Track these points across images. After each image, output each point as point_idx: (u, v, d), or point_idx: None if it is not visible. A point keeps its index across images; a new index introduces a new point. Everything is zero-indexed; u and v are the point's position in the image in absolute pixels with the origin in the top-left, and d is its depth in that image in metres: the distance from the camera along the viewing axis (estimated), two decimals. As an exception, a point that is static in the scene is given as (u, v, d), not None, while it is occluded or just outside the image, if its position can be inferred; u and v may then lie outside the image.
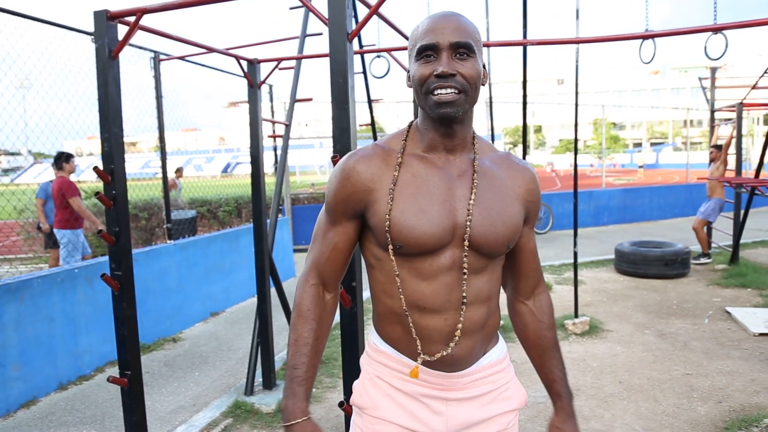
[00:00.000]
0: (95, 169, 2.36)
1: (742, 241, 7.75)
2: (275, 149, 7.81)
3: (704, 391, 3.74)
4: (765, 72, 6.75)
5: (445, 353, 1.20)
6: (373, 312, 1.33)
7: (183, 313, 5.47)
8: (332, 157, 2.00)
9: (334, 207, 1.24)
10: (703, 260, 7.68)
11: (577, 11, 4.43)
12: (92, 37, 4.12)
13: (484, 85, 1.20)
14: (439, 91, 1.11)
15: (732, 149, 7.85)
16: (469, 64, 1.13)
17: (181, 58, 4.46)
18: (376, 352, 1.31)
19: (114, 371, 4.35)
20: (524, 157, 4.98)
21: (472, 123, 1.24)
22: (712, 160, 7.82)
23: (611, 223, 12.32)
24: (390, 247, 1.18)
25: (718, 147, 7.80)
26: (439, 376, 1.24)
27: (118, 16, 2.30)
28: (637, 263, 7.03)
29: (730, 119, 8.80)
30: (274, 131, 5.20)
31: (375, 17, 2.26)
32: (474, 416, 1.28)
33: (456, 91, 1.12)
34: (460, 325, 1.19)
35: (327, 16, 2.04)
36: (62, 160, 5.83)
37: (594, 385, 3.89)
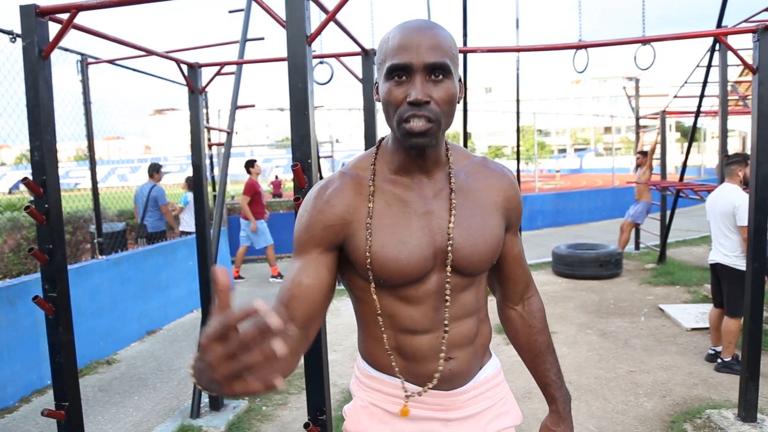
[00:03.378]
0: (24, 180, 2.14)
1: (668, 240, 8.16)
2: (211, 158, 7.55)
3: (648, 387, 3.87)
4: (686, 82, 7.16)
5: (430, 384, 1.17)
6: (359, 339, 1.28)
7: (117, 333, 5.13)
8: (293, 166, 1.89)
9: (306, 241, 1.13)
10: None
11: (517, 21, 4.53)
12: (10, 36, 3.81)
13: (459, 102, 1.12)
14: (412, 121, 1.02)
15: (657, 154, 8.27)
16: (444, 87, 1.04)
17: (112, 61, 4.21)
18: (369, 378, 1.26)
19: (41, 401, 4.01)
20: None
21: (444, 141, 1.17)
22: (638, 165, 8.20)
23: (545, 227, 12.71)
24: (372, 284, 1.14)
25: (644, 153, 8.19)
26: (438, 395, 1.20)
27: (49, 12, 2.10)
28: (573, 265, 7.25)
29: (648, 126, 9.29)
30: (210, 139, 5.00)
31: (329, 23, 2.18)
32: None
33: (428, 120, 1.02)
34: (444, 344, 1.16)
35: (282, 16, 1.94)
36: (249, 165, 7.58)
37: (545, 387, 3.94)
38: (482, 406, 1.26)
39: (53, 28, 2.15)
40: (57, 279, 2.22)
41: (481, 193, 1.19)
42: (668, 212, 7.78)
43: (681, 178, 7.11)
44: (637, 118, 8.67)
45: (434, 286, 1.14)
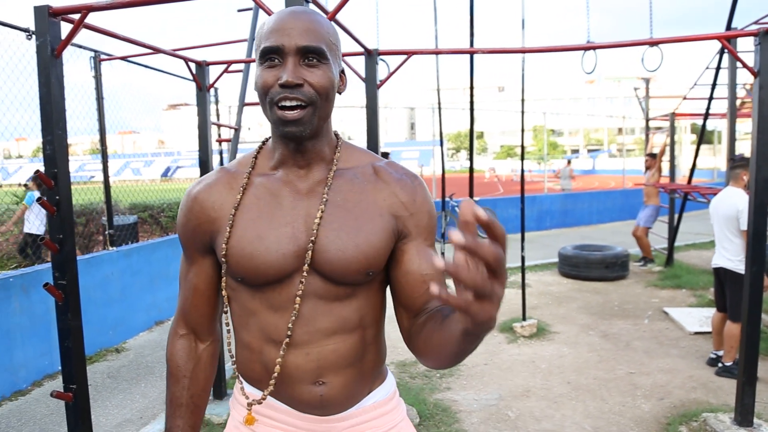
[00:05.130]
0: (37, 173, 2.23)
1: (676, 244, 8.14)
2: (221, 153, 7.65)
3: (647, 389, 3.89)
4: (695, 84, 7.14)
5: (296, 395, 1.07)
6: (234, 348, 1.17)
7: (126, 323, 5.25)
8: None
9: (186, 243, 1.12)
10: (649, 265, 7.99)
11: (523, 21, 4.55)
12: (26, 33, 3.92)
13: (340, 93, 1.07)
14: (283, 104, 0.96)
15: (666, 156, 8.24)
16: (319, 72, 0.98)
17: (124, 58, 4.30)
18: (240, 394, 1.16)
19: (52, 385, 4.13)
20: (471, 163, 5.06)
21: (329, 135, 1.09)
22: (647, 168, 8.18)
23: (553, 227, 12.70)
24: (224, 279, 1.08)
25: (653, 155, 8.17)
26: (312, 420, 1.09)
27: (61, 13, 2.18)
28: (579, 266, 7.27)
29: (661, 128, 9.26)
30: (219, 135, 5.09)
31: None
32: None
33: (302, 106, 0.96)
34: (316, 362, 1.05)
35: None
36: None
37: (543, 386, 3.98)
38: None
39: (65, 28, 2.23)
40: (67, 267, 2.31)
41: (365, 196, 1.06)
42: (676, 215, 7.76)
43: (689, 181, 7.09)
44: (647, 120, 8.65)
45: (301, 291, 1.04)
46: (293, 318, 1.03)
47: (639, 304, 6.09)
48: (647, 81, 8.77)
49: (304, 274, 1.01)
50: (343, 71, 1.08)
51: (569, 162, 19.10)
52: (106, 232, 5.66)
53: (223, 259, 1.04)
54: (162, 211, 9.83)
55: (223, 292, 1.12)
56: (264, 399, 1.08)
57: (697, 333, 5.02)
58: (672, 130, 8.01)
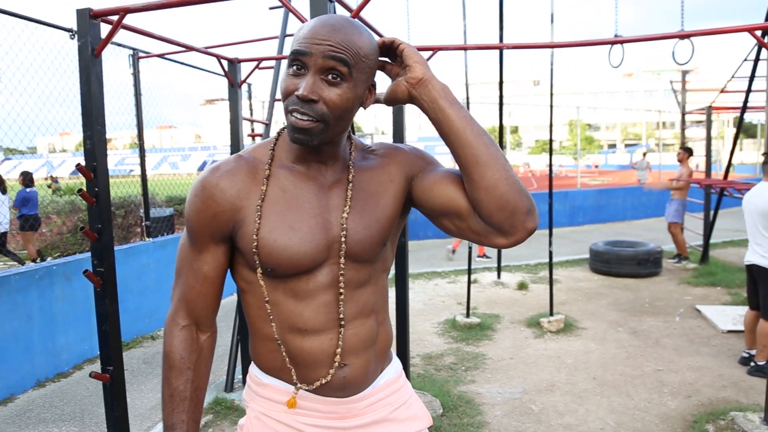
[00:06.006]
0: (78, 166, 2.36)
1: (711, 241, 7.97)
2: (254, 148, 7.79)
3: (674, 387, 3.86)
4: (732, 76, 6.96)
5: (324, 380, 1.10)
6: (250, 341, 1.18)
7: (161, 311, 5.44)
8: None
9: (199, 231, 1.08)
10: (683, 262, 7.83)
11: (552, 15, 4.53)
12: (70, 33, 4.09)
13: (365, 108, 1.08)
14: (296, 115, 0.98)
15: (702, 152, 8.05)
16: (337, 91, 0.98)
17: (161, 56, 4.45)
18: (260, 386, 1.17)
19: (91, 368, 4.30)
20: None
21: (343, 139, 1.12)
22: (680, 161, 7.99)
23: (586, 223, 12.53)
24: (259, 270, 1.07)
25: (687, 149, 7.98)
26: (333, 403, 1.14)
27: (101, 15, 2.30)
28: (610, 262, 7.19)
29: (700, 121, 9.04)
30: (252, 130, 5.21)
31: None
32: None
33: (312, 120, 0.98)
34: (339, 347, 1.10)
35: (308, 18, 2.08)
36: None
37: (568, 381, 3.99)
38: (383, 412, 1.19)
39: (105, 29, 2.35)
40: (104, 255, 2.44)
41: (376, 174, 1.13)
42: (712, 211, 7.60)
43: (725, 176, 6.93)
44: (683, 114, 8.46)
45: (327, 280, 1.08)
46: (323, 306, 1.08)
47: (671, 301, 6.00)
48: (684, 74, 8.57)
49: (342, 264, 1.07)
50: (373, 85, 1.08)
51: (645, 154, 18.73)
52: (143, 224, 5.86)
53: (254, 251, 1.04)
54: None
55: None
56: (315, 387, 1.10)
57: (730, 331, 4.94)
58: (708, 124, 7.83)
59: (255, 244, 1.04)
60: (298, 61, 0.98)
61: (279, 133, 1.15)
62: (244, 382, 3.88)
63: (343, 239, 1.06)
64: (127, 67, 5.00)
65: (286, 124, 1.04)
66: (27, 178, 8.24)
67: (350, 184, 1.10)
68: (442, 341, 4.77)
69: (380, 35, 3.07)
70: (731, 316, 5.31)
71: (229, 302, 6.38)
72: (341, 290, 1.08)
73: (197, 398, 1.14)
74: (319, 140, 1.01)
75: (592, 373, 4.11)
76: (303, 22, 2.16)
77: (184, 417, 1.11)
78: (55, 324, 4.24)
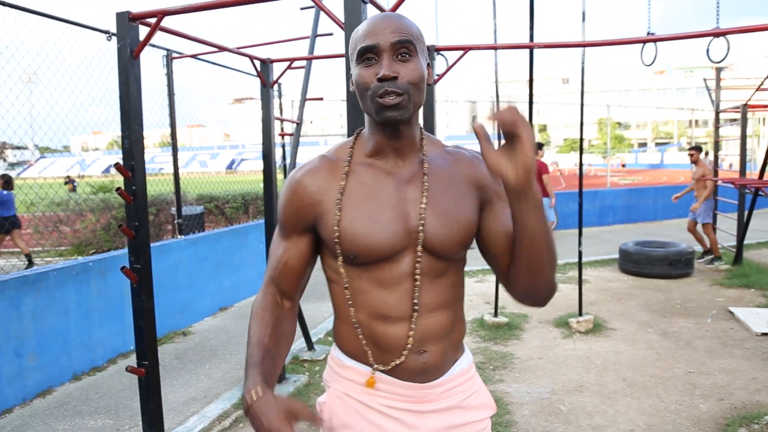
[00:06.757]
0: (116, 165, 2.43)
1: (746, 242, 7.79)
2: (283, 146, 7.89)
3: (706, 389, 3.80)
4: (769, 74, 6.78)
5: (399, 361, 1.17)
6: (334, 325, 1.28)
7: (193, 308, 5.55)
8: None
9: (285, 222, 1.22)
10: (716, 263, 7.66)
11: (584, 14, 4.48)
12: (107, 35, 4.20)
13: (430, 84, 1.18)
14: (382, 97, 1.08)
15: (736, 150, 7.87)
16: (411, 66, 1.09)
17: (194, 56, 4.54)
18: (342, 368, 1.25)
19: (126, 362, 4.44)
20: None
21: (418, 123, 1.22)
22: (694, 162, 7.83)
23: (615, 223, 12.35)
24: (340, 258, 1.16)
25: (698, 148, 7.83)
26: (412, 387, 1.21)
27: (139, 18, 2.37)
28: (641, 263, 7.08)
29: (735, 120, 8.83)
30: (282, 129, 5.27)
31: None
32: (448, 427, 1.24)
33: (398, 95, 1.08)
34: (412, 332, 1.16)
35: (340, 18, 2.11)
36: (538, 148, 8.15)
37: (598, 381, 3.95)
38: (456, 399, 1.25)
39: (143, 31, 2.42)
40: (141, 252, 2.51)
41: (453, 176, 1.21)
42: (746, 212, 7.42)
43: (761, 176, 6.77)
44: (717, 112, 8.27)
45: (408, 268, 1.16)
46: (406, 293, 1.16)
47: (702, 302, 5.89)
48: (719, 71, 8.38)
49: (419, 253, 1.14)
50: (429, 64, 1.17)
51: (707, 153, 18.44)
52: (175, 222, 5.98)
53: (336, 240, 1.13)
54: (227, 202, 10.23)
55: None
56: (390, 367, 1.18)
57: (764, 334, 4.82)
58: (743, 123, 7.64)
59: (337, 234, 1.13)
60: (368, 54, 1.10)
61: (357, 134, 1.26)
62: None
63: (420, 229, 1.14)
64: (161, 68, 5.11)
65: (371, 112, 1.12)
66: (5, 180, 8.53)
67: (425, 177, 1.17)
68: (470, 340, 4.76)
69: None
70: (765, 318, 5.19)
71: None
72: (416, 278, 1.15)
73: (273, 340, 1.17)
74: (408, 113, 1.10)
75: (622, 374, 4.06)
76: (335, 21, 2.19)
77: (257, 349, 1.13)
78: (91, 319, 4.36)
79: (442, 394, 1.23)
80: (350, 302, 1.18)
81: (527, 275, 1.12)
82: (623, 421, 3.37)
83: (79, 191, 9.85)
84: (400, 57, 1.09)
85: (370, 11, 2.14)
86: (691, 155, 7.87)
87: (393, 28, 1.09)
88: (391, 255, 1.14)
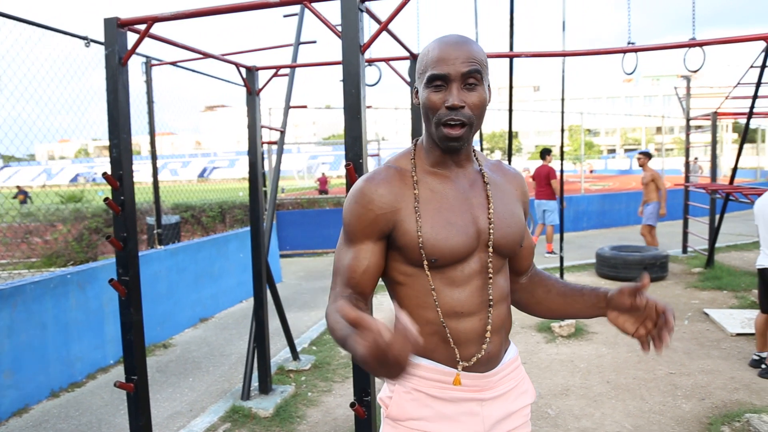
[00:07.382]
0: (104, 174, 2.38)
1: (716, 245, 7.99)
2: (262, 154, 7.83)
3: (687, 389, 3.88)
4: (738, 83, 7.01)
5: (479, 355, 1.25)
6: None
7: (173, 319, 5.45)
8: (345, 165, 2.06)
9: (360, 231, 1.25)
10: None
11: (564, 24, 4.57)
12: (85, 41, 4.11)
13: (488, 103, 1.26)
14: (448, 127, 1.18)
15: (705, 157, 8.09)
16: (476, 94, 1.19)
17: (174, 63, 4.48)
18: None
19: (106, 378, 4.33)
20: (510, 163, 5.11)
21: (472, 142, 1.31)
22: (641, 165, 8.12)
23: (590, 228, 12.55)
24: (425, 262, 1.22)
25: (646, 153, 8.13)
26: (475, 377, 1.28)
27: (128, 24, 2.33)
28: (617, 267, 7.20)
29: (700, 127, 9.09)
30: (261, 137, 5.23)
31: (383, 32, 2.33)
32: (503, 412, 1.33)
33: (462, 124, 1.18)
34: (489, 325, 1.26)
35: (336, 27, 2.11)
36: (546, 153, 8.76)
37: (583, 385, 4.00)
38: (509, 385, 1.35)
39: (131, 38, 2.37)
40: (130, 264, 2.46)
41: (505, 186, 1.36)
42: (717, 216, 7.62)
43: (731, 181, 6.96)
44: (688, 119, 8.50)
45: (477, 266, 1.26)
46: (476, 290, 1.26)
47: (678, 305, 6.01)
48: (688, 79, 8.62)
49: (490, 252, 1.26)
50: (489, 84, 1.25)
51: (696, 159, 18.71)
52: (155, 231, 5.87)
53: (420, 245, 1.21)
54: (203, 211, 10.09)
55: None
56: (471, 363, 1.25)
57: (739, 334, 4.95)
58: (714, 130, 7.87)
59: (421, 240, 1.21)
60: (438, 81, 1.18)
61: (415, 144, 1.35)
62: (260, 390, 3.88)
63: (490, 231, 1.26)
64: (139, 75, 5.03)
65: (435, 137, 1.22)
66: None
67: (487, 185, 1.30)
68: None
69: (406, 48, 3.11)
70: (739, 319, 5.32)
71: (244, 308, 6.41)
72: (490, 275, 1.27)
73: None
74: (466, 143, 1.23)
75: (606, 377, 4.12)
76: (332, 30, 2.19)
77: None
78: (69, 333, 4.24)
79: (499, 381, 1.32)
80: (427, 302, 1.25)
81: (541, 312, 1.47)
82: (610, 423, 3.42)
83: (47, 201, 9.58)
84: (467, 86, 1.18)
85: (366, 21, 2.15)
86: (639, 159, 8.13)
87: (464, 58, 1.17)
88: (465, 256, 1.25)
